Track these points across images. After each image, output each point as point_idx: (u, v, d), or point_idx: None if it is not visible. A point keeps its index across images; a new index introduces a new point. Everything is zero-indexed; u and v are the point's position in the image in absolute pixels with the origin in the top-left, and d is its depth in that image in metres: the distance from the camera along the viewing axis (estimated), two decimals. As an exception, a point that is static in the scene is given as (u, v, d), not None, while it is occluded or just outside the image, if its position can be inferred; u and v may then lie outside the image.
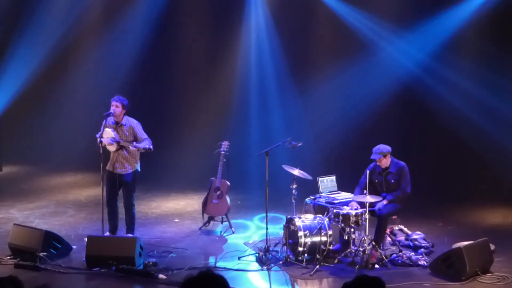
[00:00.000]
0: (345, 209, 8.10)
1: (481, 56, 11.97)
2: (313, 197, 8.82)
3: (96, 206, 10.36)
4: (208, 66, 13.96)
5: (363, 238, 7.88)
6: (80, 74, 14.36)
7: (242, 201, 11.33)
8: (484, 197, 11.39)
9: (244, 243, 8.97)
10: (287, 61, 13.35)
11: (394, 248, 8.50)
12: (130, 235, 8.73)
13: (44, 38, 13.80)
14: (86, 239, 8.02)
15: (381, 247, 8.28)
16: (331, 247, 8.06)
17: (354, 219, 7.94)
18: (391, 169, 8.39)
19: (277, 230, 9.19)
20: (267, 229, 8.34)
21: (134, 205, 8.95)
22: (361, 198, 8.05)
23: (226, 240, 9.21)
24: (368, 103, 12.58)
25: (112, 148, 8.61)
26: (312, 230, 8.01)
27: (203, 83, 14.08)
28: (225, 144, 9.53)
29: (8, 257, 8.01)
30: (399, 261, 8.03)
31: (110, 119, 8.61)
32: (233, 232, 9.44)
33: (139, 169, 8.79)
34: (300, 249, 7.95)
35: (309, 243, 7.97)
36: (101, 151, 8.41)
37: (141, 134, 8.63)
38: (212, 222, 9.63)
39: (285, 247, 8.15)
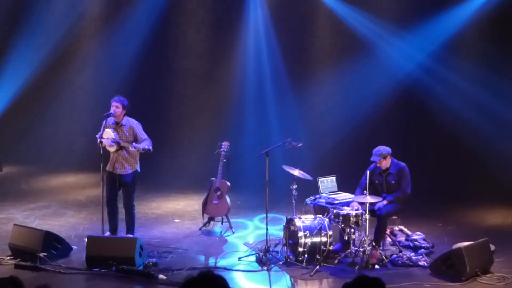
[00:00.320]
0: (345, 210, 8.11)
1: (481, 57, 11.98)
2: (313, 198, 8.81)
3: (96, 206, 10.36)
4: (208, 67, 13.96)
5: (363, 239, 7.88)
6: (80, 74, 14.36)
7: (242, 202, 11.33)
8: (484, 198, 11.39)
9: (244, 244, 8.97)
10: (288, 62, 13.35)
11: (394, 248, 8.50)
12: (130, 235, 8.73)
13: (44, 38, 13.80)
14: (86, 239, 8.01)
15: (381, 248, 8.28)
16: (331, 248, 8.06)
17: (354, 219, 7.94)
18: (392, 170, 8.39)
19: (277, 231, 9.17)
20: (267, 229, 8.34)
21: (134, 206, 8.95)
22: (361, 199, 8.06)
23: (226, 241, 9.21)
24: (368, 103, 12.58)
25: (112, 148, 8.61)
26: (312, 231, 8.01)
27: (203, 83, 14.07)
28: (225, 145, 9.54)
29: (8, 258, 8.01)
30: (399, 262, 8.03)
31: (110, 120, 8.61)
32: (233, 233, 9.45)
33: (139, 170, 8.79)
34: (300, 249, 7.95)
35: (309, 243, 7.97)
36: (101, 152, 8.41)
37: (141, 134, 8.63)
38: (212, 222, 9.63)
39: (285, 247, 8.15)
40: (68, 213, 10.60)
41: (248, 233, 9.72)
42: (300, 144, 8.56)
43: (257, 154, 8.65)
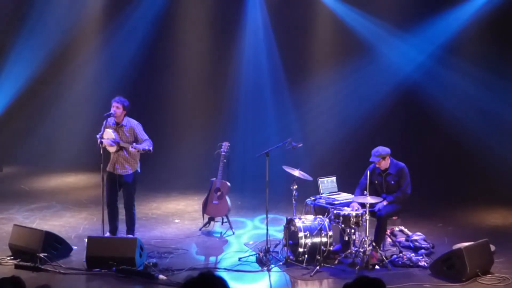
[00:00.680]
0: (346, 210, 8.11)
1: (481, 58, 11.97)
2: (313, 198, 8.81)
3: (96, 206, 10.36)
4: (208, 67, 13.97)
5: (363, 239, 7.88)
6: (80, 74, 14.36)
7: (242, 202, 11.34)
8: (484, 198, 11.39)
9: (244, 244, 8.97)
10: (287, 62, 13.36)
11: (394, 249, 8.50)
12: (131, 235, 8.73)
13: (44, 39, 13.79)
14: (86, 239, 8.02)
15: (382, 248, 8.28)
16: (331, 248, 8.05)
17: (354, 220, 7.94)
18: (391, 170, 8.40)
19: (275, 233, 9.15)
20: (267, 230, 8.34)
21: (134, 206, 8.95)
22: (361, 199, 8.06)
23: (226, 241, 9.21)
24: (368, 104, 12.59)
25: (112, 148, 8.61)
26: (312, 231, 8.01)
27: (203, 83, 14.08)
28: (225, 145, 9.54)
29: (9, 258, 8.01)
30: (400, 262, 8.03)
31: (111, 120, 8.61)
32: (233, 233, 9.45)
33: (139, 170, 8.79)
34: (301, 250, 7.95)
35: (309, 244, 7.97)
36: (101, 152, 8.40)
37: (142, 135, 8.63)
38: (212, 222, 9.63)
39: (285, 248, 8.15)
40: (68, 213, 10.60)
41: (245, 231, 9.74)
42: (300, 145, 8.56)
43: (257, 155, 8.65)
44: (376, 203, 8.19)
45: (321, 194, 8.83)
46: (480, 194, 11.51)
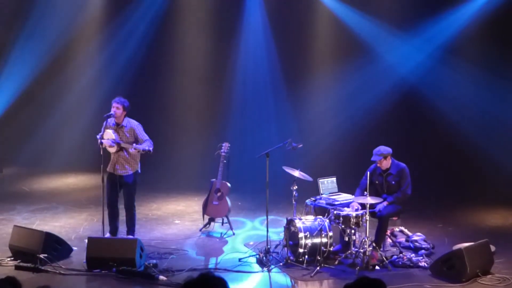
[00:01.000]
0: (346, 211, 8.10)
1: (482, 58, 11.98)
2: (313, 199, 8.81)
3: (96, 207, 10.36)
4: (208, 68, 13.98)
5: (363, 240, 7.88)
6: (80, 75, 14.37)
7: (242, 203, 11.33)
8: (485, 198, 11.40)
9: (244, 245, 8.97)
10: (287, 62, 13.38)
11: (394, 249, 8.50)
12: (131, 236, 8.72)
13: (43, 40, 13.80)
14: (86, 240, 8.02)
15: (382, 249, 8.28)
16: (331, 249, 8.05)
17: (354, 220, 7.94)
18: (392, 171, 8.40)
19: (273, 235, 9.13)
20: (267, 230, 8.34)
21: (134, 207, 8.94)
22: (361, 199, 8.06)
23: (226, 242, 9.21)
24: (368, 104, 12.59)
25: (112, 149, 8.61)
26: (312, 232, 8.01)
27: (203, 84, 14.09)
28: (225, 146, 9.54)
29: (9, 259, 8.01)
30: (400, 263, 8.03)
31: (111, 121, 8.61)
32: (234, 234, 9.45)
33: (140, 171, 8.79)
34: (301, 250, 7.95)
35: (309, 244, 7.97)
36: (101, 153, 8.40)
37: (142, 135, 8.63)
38: (212, 223, 9.63)
39: (286, 248, 8.15)
40: (69, 214, 10.60)
41: (246, 232, 9.74)
42: (300, 145, 8.56)
43: (257, 155, 8.65)
44: (377, 204, 8.19)
45: (321, 194, 8.82)
46: (480, 195, 11.52)
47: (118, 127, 8.63)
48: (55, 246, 8.07)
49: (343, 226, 8.02)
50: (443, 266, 7.65)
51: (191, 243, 9.13)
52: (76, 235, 9.25)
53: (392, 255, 8.22)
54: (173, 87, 14.20)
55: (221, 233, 9.52)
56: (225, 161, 9.50)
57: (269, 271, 7.88)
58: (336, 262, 8.01)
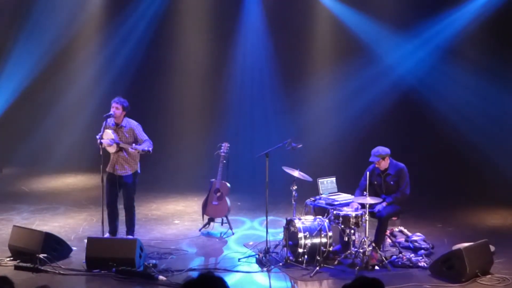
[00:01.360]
0: (345, 210, 8.10)
1: (482, 58, 11.99)
2: (313, 199, 8.81)
3: (96, 207, 10.37)
4: (208, 68, 13.98)
5: (363, 240, 7.88)
6: (79, 75, 14.37)
7: (242, 203, 11.33)
8: (484, 199, 11.41)
9: (244, 245, 8.97)
10: (287, 62, 13.39)
11: (394, 249, 8.50)
12: (130, 236, 8.73)
13: (43, 40, 13.80)
14: (86, 240, 8.02)
15: (381, 249, 8.28)
16: (331, 249, 8.05)
17: (354, 220, 7.94)
18: (390, 171, 8.39)
19: (274, 236, 9.14)
20: (267, 230, 8.34)
21: (134, 207, 8.94)
22: (361, 200, 8.06)
23: (226, 242, 9.21)
24: (368, 104, 12.60)
25: (111, 149, 8.61)
26: (312, 232, 8.01)
27: (202, 84, 14.09)
28: (225, 146, 9.54)
29: (8, 259, 8.01)
30: (399, 263, 8.03)
31: (110, 121, 8.61)
32: (233, 234, 9.45)
33: (139, 171, 8.79)
34: (300, 250, 7.95)
35: (309, 244, 7.97)
36: (101, 153, 8.40)
37: (141, 135, 8.63)
38: (212, 223, 9.63)
39: (285, 248, 8.15)
40: (68, 214, 10.60)
41: (245, 232, 9.74)
42: (300, 145, 8.56)
43: (257, 155, 8.65)
44: (376, 204, 8.19)
45: (321, 194, 8.82)
46: (479, 195, 11.53)
47: (117, 127, 8.63)
48: (54, 246, 8.07)
49: (342, 226, 8.02)
50: (442, 266, 7.65)
51: (191, 243, 9.13)
52: (76, 235, 9.25)
53: (392, 255, 8.22)
54: (172, 87, 14.20)
55: (221, 233, 9.52)
56: (224, 161, 9.50)
57: (268, 271, 7.88)
58: (336, 262, 8.01)
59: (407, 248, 8.65)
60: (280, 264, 8.00)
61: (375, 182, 8.44)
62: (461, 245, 8.01)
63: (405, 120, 12.67)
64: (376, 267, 7.89)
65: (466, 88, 12.06)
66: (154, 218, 10.52)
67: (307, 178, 8.52)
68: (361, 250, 7.82)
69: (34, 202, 11.30)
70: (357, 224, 7.96)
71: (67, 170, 13.95)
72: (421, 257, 8.17)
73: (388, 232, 8.63)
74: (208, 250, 8.93)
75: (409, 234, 8.99)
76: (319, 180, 8.90)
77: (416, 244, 8.67)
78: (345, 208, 8.20)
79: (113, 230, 8.84)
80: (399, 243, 8.70)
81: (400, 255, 8.18)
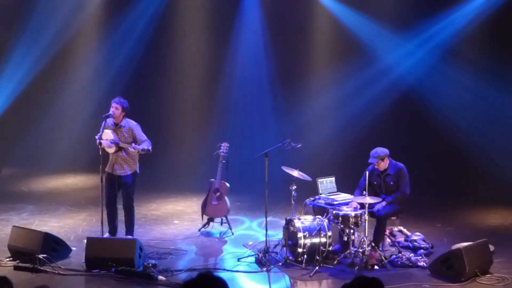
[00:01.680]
0: (344, 210, 8.10)
1: (482, 58, 11.98)
2: (312, 199, 8.81)
3: (95, 207, 10.36)
4: (207, 68, 13.99)
5: (362, 239, 7.88)
6: (78, 75, 14.37)
7: (241, 203, 11.33)
8: (484, 198, 11.40)
9: (243, 245, 8.97)
10: (286, 62, 13.38)
11: (393, 249, 8.50)
12: (130, 236, 8.72)
13: (42, 40, 13.79)
14: (85, 240, 8.01)
15: (381, 248, 8.28)
16: (330, 248, 8.05)
17: (353, 220, 7.94)
18: (390, 171, 8.39)
19: (273, 237, 9.14)
20: (266, 230, 8.34)
21: (133, 207, 8.94)
22: (360, 199, 8.06)
23: (225, 242, 9.21)
24: (368, 104, 12.60)
25: (111, 149, 8.61)
26: (311, 231, 8.01)
27: (202, 84, 14.09)
28: (224, 146, 9.54)
29: (8, 259, 8.00)
30: (399, 262, 8.03)
31: (110, 121, 8.61)
32: (233, 234, 9.45)
33: (138, 171, 8.79)
34: (300, 250, 7.95)
35: (308, 244, 7.97)
36: (100, 153, 8.40)
37: (140, 135, 8.63)
38: (211, 223, 9.63)
39: (285, 248, 8.15)
40: (67, 214, 10.59)
41: (245, 232, 9.74)
42: (299, 145, 8.56)
43: (256, 155, 8.65)
44: (375, 204, 8.19)
45: (320, 194, 8.82)
46: (479, 195, 11.52)
47: (116, 127, 8.63)
48: (54, 247, 8.07)
49: (342, 226, 8.02)
50: (442, 265, 7.65)
51: (190, 243, 9.13)
52: (75, 235, 9.24)
53: (391, 255, 8.22)
54: (171, 86, 14.20)
55: (220, 233, 9.52)
56: (224, 161, 9.50)
57: (268, 271, 7.88)
58: (335, 262, 8.01)
59: (407, 247, 8.65)
60: (280, 264, 8.00)
61: (375, 183, 8.44)
62: (460, 245, 8.01)
63: (404, 120, 12.67)
64: (376, 267, 7.89)
65: (465, 88, 12.06)
66: (154, 218, 10.52)
67: (307, 178, 8.52)
68: (361, 250, 7.82)
69: (33, 202, 11.30)
70: (356, 224, 7.96)
71: (66, 170, 13.94)
72: (420, 257, 8.17)
73: (387, 232, 8.63)
74: (207, 250, 8.93)
75: (409, 233, 8.99)
76: (319, 180, 8.89)
77: (415, 243, 8.67)
78: (344, 208, 8.20)
79: (113, 230, 8.83)
80: (399, 242, 8.70)
81: (400, 254, 8.18)
